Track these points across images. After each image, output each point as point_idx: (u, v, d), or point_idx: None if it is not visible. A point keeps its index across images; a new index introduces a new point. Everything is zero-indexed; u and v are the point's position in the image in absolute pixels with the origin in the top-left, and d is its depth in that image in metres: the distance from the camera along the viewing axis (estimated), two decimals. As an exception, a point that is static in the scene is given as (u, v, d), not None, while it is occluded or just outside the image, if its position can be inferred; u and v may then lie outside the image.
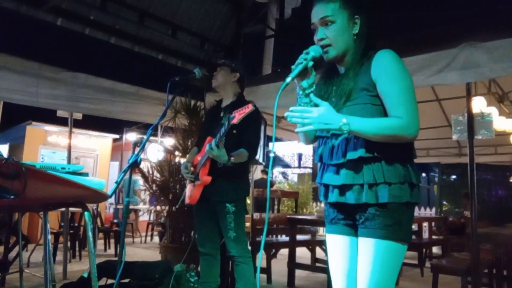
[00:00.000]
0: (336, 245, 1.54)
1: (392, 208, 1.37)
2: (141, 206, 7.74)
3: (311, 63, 1.44)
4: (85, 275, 3.02)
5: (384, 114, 1.41)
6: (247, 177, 2.88)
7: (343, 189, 1.43)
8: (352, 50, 1.48)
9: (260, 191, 6.02)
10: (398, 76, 1.38)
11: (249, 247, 2.87)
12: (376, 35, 1.53)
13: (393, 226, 1.37)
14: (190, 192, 2.73)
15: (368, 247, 1.39)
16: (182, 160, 4.36)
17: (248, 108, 2.26)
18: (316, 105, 1.41)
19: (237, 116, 2.27)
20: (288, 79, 1.39)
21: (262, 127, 3.86)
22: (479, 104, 4.10)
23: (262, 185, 7.77)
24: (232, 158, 2.49)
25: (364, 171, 1.39)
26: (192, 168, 2.74)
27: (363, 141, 1.38)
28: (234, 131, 2.55)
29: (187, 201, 2.77)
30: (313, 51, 1.45)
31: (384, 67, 1.40)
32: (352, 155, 1.40)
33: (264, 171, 9.05)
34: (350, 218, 1.48)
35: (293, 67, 1.43)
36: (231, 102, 2.79)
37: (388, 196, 1.36)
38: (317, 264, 4.89)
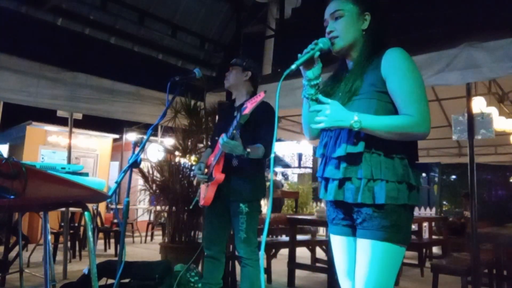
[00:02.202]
0: (338, 246, 1.55)
1: (389, 209, 1.35)
2: (141, 206, 7.73)
3: (317, 53, 1.45)
4: (86, 271, 3.02)
5: (392, 111, 1.40)
6: (263, 176, 2.74)
7: (341, 184, 1.42)
8: (359, 45, 1.50)
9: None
10: (408, 74, 1.38)
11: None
12: (388, 35, 1.55)
13: (390, 227, 1.35)
14: (204, 193, 2.64)
15: (365, 249, 1.38)
16: (182, 160, 4.36)
17: (260, 96, 2.18)
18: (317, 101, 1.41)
19: (249, 106, 2.20)
20: (293, 66, 1.40)
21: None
22: (479, 104, 4.09)
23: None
24: (248, 149, 2.39)
25: (363, 165, 1.38)
26: (206, 169, 2.67)
27: (365, 135, 1.38)
28: (250, 125, 2.45)
29: (201, 202, 2.68)
30: (322, 42, 1.47)
31: (394, 65, 1.40)
32: (351, 149, 1.39)
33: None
34: (349, 218, 1.48)
35: (299, 55, 1.44)
36: (245, 101, 2.75)
37: (385, 197, 1.34)
38: (317, 264, 4.89)
